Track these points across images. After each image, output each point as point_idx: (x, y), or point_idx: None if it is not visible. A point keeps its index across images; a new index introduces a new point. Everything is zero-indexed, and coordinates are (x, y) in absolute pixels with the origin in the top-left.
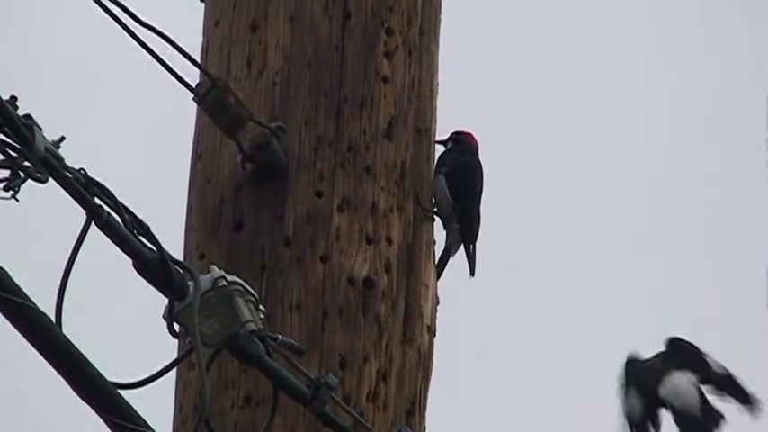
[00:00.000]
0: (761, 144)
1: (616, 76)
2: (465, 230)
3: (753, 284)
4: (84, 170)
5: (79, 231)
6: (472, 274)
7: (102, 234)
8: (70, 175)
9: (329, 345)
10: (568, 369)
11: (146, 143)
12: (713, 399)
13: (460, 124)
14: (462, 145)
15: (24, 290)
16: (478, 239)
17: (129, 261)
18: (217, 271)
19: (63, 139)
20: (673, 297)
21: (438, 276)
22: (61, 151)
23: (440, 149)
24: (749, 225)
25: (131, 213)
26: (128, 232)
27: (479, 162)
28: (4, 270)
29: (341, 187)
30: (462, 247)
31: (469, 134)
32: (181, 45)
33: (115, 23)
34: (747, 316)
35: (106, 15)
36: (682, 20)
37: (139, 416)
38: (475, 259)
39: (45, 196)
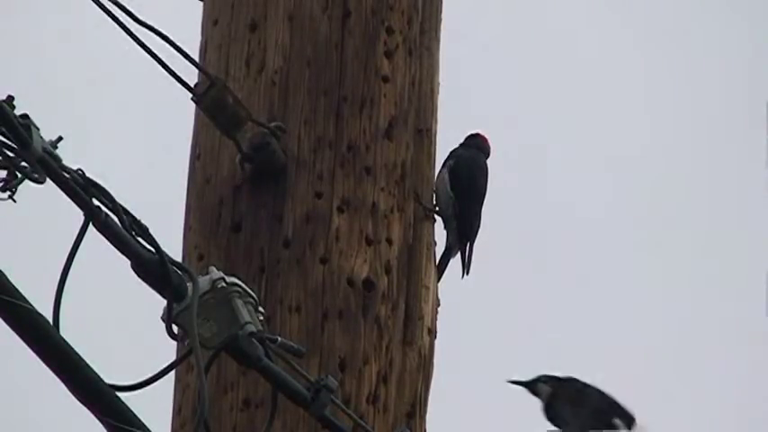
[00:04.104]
0: (761, 145)
1: (617, 75)
2: (462, 228)
3: (753, 287)
4: (81, 170)
5: (77, 232)
6: (466, 273)
7: (100, 235)
8: (68, 176)
9: (329, 347)
10: (569, 371)
11: (144, 143)
12: None
13: (460, 123)
14: (474, 144)
15: (22, 291)
16: (477, 240)
17: (127, 262)
18: (216, 272)
19: (60, 139)
20: (672, 299)
21: (439, 278)
22: (59, 151)
23: (441, 149)
24: (750, 228)
25: (129, 214)
26: (126, 233)
27: (486, 163)
28: (1, 271)
29: (340, 188)
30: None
31: (484, 136)
32: (179, 44)
33: (113, 23)
34: (747, 319)
35: (105, 15)
36: (681, 20)
37: (137, 418)
38: (471, 259)
39: (42, 197)
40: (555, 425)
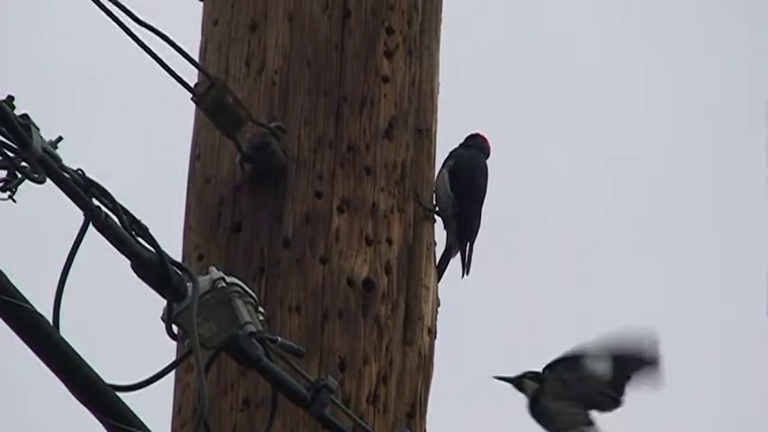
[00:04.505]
0: (761, 145)
1: (617, 75)
2: (462, 228)
3: (753, 287)
4: (81, 170)
5: (77, 232)
6: (466, 273)
7: (100, 235)
8: (68, 176)
9: (329, 347)
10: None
11: (144, 143)
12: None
13: (460, 123)
14: (474, 144)
15: (22, 291)
16: (477, 240)
17: (127, 262)
18: (216, 272)
19: (60, 139)
20: (672, 299)
21: (439, 278)
22: (59, 151)
23: (441, 149)
24: (750, 228)
25: (129, 214)
26: (126, 233)
27: (486, 163)
28: (1, 271)
29: (340, 188)
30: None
31: (483, 137)
32: (179, 44)
33: (113, 23)
34: (747, 319)
35: (105, 15)
36: (681, 20)
37: (137, 418)
38: (471, 259)
39: (42, 197)
40: (540, 423)
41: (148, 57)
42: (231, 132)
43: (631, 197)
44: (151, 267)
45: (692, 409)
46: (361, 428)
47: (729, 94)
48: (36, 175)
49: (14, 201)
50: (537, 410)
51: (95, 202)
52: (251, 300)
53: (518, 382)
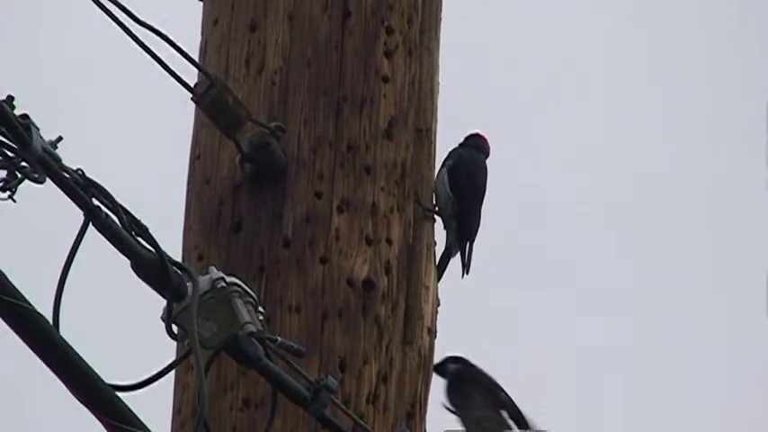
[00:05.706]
0: (761, 145)
1: (617, 75)
2: (462, 227)
3: (753, 287)
4: (81, 170)
5: (77, 232)
6: (466, 272)
7: (100, 235)
8: (68, 176)
9: (329, 347)
10: (569, 372)
11: (144, 143)
12: None
13: (460, 123)
14: (473, 144)
15: (22, 291)
16: (477, 240)
17: (127, 262)
18: (215, 272)
19: (60, 138)
20: (672, 299)
21: (439, 278)
22: (59, 151)
23: (441, 149)
24: (750, 228)
25: (129, 214)
26: (126, 233)
27: (485, 163)
28: (1, 271)
29: (340, 188)
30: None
31: (483, 136)
32: (179, 44)
33: (113, 23)
34: (748, 319)
35: (105, 15)
36: (682, 19)
37: (137, 418)
38: (470, 259)
39: (42, 197)
40: (458, 404)
41: (148, 57)
42: (231, 132)
43: (631, 197)
44: (151, 267)
45: (692, 408)
46: (361, 428)
47: (729, 94)
48: (36, 175)
49: (14, 201)
50: (456, 387)
51: (95, 202)
52: (251, 300)
53: (440, 368)
